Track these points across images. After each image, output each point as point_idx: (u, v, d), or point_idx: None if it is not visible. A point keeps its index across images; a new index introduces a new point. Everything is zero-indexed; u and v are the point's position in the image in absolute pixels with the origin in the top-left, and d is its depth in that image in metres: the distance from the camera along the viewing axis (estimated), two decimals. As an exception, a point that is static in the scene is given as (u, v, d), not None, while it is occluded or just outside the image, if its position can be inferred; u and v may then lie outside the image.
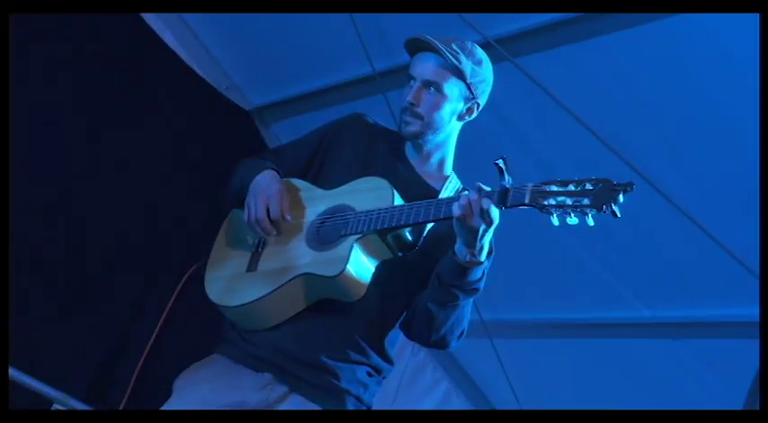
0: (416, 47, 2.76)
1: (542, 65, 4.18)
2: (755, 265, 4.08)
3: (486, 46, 3.03)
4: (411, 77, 2.75)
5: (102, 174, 4.64)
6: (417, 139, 2.76)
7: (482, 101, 2.79)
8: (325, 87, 5.08)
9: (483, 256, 2.52)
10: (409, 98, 2.72)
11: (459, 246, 2.51)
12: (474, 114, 2.80)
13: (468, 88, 2.73)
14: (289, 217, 2.70)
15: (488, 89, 2.80)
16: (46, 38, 4.40)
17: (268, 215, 2.69)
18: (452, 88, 2.72)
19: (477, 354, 5.47)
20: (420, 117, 2.72)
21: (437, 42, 2.69)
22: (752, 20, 3.51)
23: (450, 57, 2.69)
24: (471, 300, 2.65)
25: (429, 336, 2.69)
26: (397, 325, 2.76)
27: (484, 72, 2.77)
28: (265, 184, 2.74)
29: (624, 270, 4.73)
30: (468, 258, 2.51)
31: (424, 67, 2.73)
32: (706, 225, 4.19)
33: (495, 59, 2.82)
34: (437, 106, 2.72)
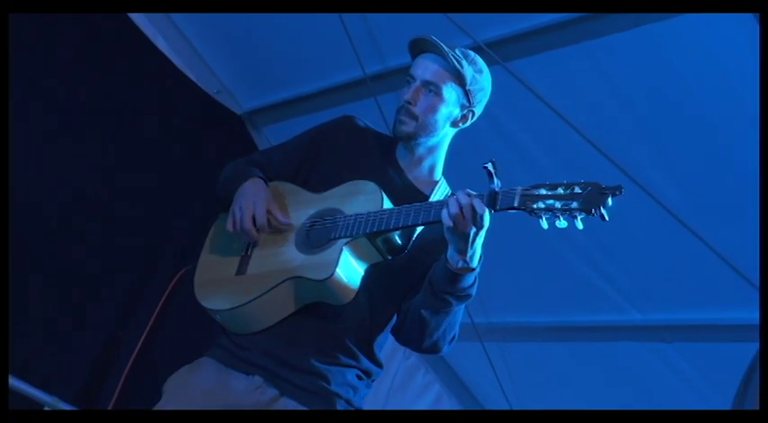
0: (420, 48, 2.75)
1: (533, 68, 4.19)
2: (746, 268, 4.10)
3: (477, 49, 3.03)
4: (411, 77, 2.74)
5: (95, 177, 4.64)
6: (410, 140, 2.75)
7: (478, 110, 2.78)
8: (316, 91, 5.09)
9: (475, 263, 2.51)
10: (407, 97, 2.72)
11: (451, 252, 2.51)
12: (468, 122, 2.79)
13: (466, 95, 2.73)
14: (282, 218, 2.69)
15: (485, 99, 2.79)
16: (38, 44, 4.40)
17: (254, 224, 2.68)
18: (450, 92, 2.72)
19: (468, 357, 5.48)
20: (415, 117, 2.71)
21: (442, 45, 2.69)
22: (743, 23, 3.52)
23: (453, 61, 2.69)
24: (463, 305, 2.65)
25: (421, 342, 2.68)
26: (387, 328, 2.75)
27: (483, 81, 2.76)
28: (251, 193, 2.73)
29: (615, 273, 4.74)
30: (460, 265, 2.50)
31: (426, 67, 2.72)
32: (697, 228, 4.20)
33: (486, 63, 2.82)
34: (433, 108, 2.71)
